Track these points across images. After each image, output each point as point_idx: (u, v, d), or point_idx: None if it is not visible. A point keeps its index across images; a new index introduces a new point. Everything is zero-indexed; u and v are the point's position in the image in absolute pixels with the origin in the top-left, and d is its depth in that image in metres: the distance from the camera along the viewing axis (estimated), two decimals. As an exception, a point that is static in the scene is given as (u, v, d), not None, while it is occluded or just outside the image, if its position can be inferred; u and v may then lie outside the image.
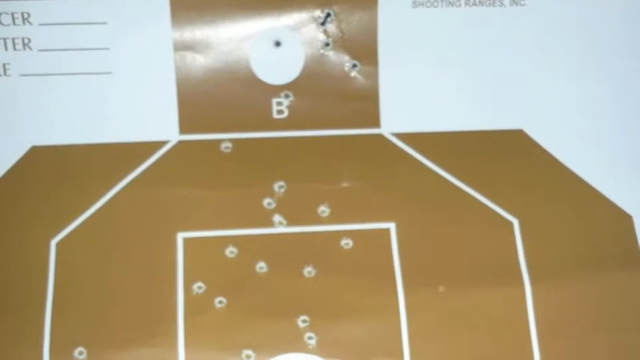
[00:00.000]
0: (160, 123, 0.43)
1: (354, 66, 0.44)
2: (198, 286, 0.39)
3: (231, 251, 0.40)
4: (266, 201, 0.42)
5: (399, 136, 0.43)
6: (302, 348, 0.39)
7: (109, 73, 0.43)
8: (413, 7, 0.44)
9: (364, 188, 0.42)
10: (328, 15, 0.44)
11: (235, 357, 0.39)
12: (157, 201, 0.41)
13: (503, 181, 0.43)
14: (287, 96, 0.43)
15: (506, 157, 0.43)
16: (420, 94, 0.44)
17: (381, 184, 0.42)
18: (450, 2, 0.44)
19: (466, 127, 0.44)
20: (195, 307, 0.39)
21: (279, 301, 0.39)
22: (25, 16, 0.42)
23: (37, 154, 0.42)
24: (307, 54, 0.44)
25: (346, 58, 0.44)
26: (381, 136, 0.43)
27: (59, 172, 0.41)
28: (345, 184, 0.42)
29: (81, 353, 0.38)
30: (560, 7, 0.44)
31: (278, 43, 0.44)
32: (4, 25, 0.42)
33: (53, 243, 0.39)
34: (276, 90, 0.43)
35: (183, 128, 0.43)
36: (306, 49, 0.44)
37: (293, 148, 0.43)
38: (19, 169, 0.41)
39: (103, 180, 0.41)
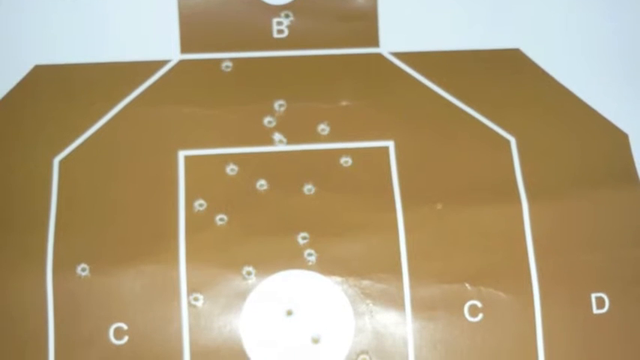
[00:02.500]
0: (161, 42, 0.39)
1: (354, -15, 0.38)
2: (199, 204, 0.36)
3: (231, 169, 0.36)
4: (266, 119, 0.37)
5: (398, 55, 0.39)
6: (302, 265, 0.35)
7: (111, -8, 0.37)
8: None
9: (363, 107, 0.38)
10: None
11: (236, 273, 0.35)
12: (158, 119, 0.37)
13: (501, 100, 0.38)
14: (287, 16, 0.39)
15: (503, 76, 0.39)
16: (419, 13, 0.40)
17: (379, 103, 0.38)
18: None
19: (464, 46, 0.39)
20: (196, 224, 0.35)
21: (279, 218, 0.36)
22: None
23: (40, 73, 0.38)
24: (307, -27, 0.38)
25: (345, -24, 0.38)
26: (379, 56, 0.39)
27: (62, 90, 0.37)
28: (344, 103, 0.38)
29: (84, 270, 0.34)
30: None
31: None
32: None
33: (56, 161, 0.35)
34: (277, 10, 0.39)
35: (185, 47, 0.39)
36: (306, -32, 0.38)
37: (293, 67, 0.38)
38: (23, 88, 0.37)
39: (105, 99, 0.37)
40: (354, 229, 0.35)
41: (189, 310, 0.34)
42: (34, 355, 0.33)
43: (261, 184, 0.36)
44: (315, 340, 0.34)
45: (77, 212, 0.35)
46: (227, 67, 0.38)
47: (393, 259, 0.35)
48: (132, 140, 0.36)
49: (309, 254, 0.35)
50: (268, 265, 0.35)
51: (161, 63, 0.38)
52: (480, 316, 0.35)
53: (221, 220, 0.36)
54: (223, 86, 0.38)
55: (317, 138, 0.37)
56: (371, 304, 0.35)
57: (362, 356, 0.34)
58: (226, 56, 0.39)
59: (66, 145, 0.36)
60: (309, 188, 0.36)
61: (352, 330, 0.34)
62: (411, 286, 0.35)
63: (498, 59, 0.39)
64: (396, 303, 0.35)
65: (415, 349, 0.34)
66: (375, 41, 0.39)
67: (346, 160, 0.37)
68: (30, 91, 0.37)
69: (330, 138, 0.37)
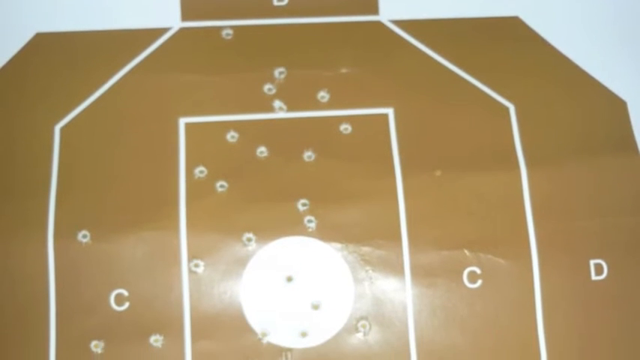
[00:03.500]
0: (162, 10, 0.37)
1: (354, -48, 0.36)
2: (200, 171, 0.34)
3: (232, 136, 0.35)
4: (266, 87, 0.36)
5: (397, 23, 0.37)
6: (302, 231, 0.34)
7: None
8: None
9: (363, 74, 0.36)
10: None
11: (236, 240, 0.33)
12: (159, 87, 0.35)
13: (500, 68, 0.36)
14: (287, -17, 0.36)
15: (502, 44, 0.37)
16: (418, -19, 0.37)
17: (379, 70, 0.36)
18: None
19: (463, 14, 0.37)
20: (197, 191, 0.34)
21: (279, 185, 0.34)
22: None
23: (41, 41, 0.36)
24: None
25: (346, -57, 0.36)
26: (379, 23, 0.37)
27: (63, 58, 0.36)
28: (344, 70, 0.36)
29: (85, 236, 0.33)
30: None
31: None
32: None
33: (57, 128, 0.34)
34: (277, -23, 0.36)
35: (185, 15, 0.37)
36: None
37: (293, 34, 0.37)
38: (24, 55, 0.36)
39: (107, 66, 0.36)
40: (353, 195, 0.34)
41: (190, 276, 0.33)
42: (35, 320, 0.32)
43: (262, 151, 0.35)
44: (315, 307, 0.33)
45: (78, 179, 0.34)
46: (227, 34, 0.37)
47: (392, 225, 0.34)
48: (133, 107, 0.35)
49: (309, 221, 0.34)
50: (268, 231, 0.33)
51: (162, 31, 0.36)
52: (479, 282, 0.33)
53: (221, 186, 0.34)
54: (224, 54, 0.36)
55: (317, 105, 0.35)
56: (370, 271, 0.33)
57: (362, 322, 0.33)
58: (227, 24, 0.37)
59: (67, 112, 0.35)
60: (309, 155, 0.35)
61: (352, 296, 0.33)
62: (411, 253, 0.33)
63: (498, 27, 0.37)
64: (396, 269, 0.33)
65: (414, 315, 0.33)
66: (374, 9, 0.37)
67: (346, 128, 0.35)
68: (31, 58, 0.36)
69: (329, 105, 0.35)
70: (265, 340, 0.32)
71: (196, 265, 0.33)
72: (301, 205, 0.34)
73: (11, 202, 0.33)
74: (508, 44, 0.37)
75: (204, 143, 0.34)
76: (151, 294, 0.32)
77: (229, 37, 0.36)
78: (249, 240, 0.33)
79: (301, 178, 0.34)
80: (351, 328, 0.33)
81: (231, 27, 0.37)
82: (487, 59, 0.36)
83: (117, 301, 0.32)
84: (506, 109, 0.36)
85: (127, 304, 0.32)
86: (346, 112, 0.35)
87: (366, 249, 0.33)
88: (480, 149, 0.35)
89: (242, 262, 0.33)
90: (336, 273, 0.33)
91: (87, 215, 0.33)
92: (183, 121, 0.35)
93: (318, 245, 0.33)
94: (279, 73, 0.36)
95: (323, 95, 0.35)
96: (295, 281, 0.33)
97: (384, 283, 0.33)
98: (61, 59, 0.35)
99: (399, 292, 0.33)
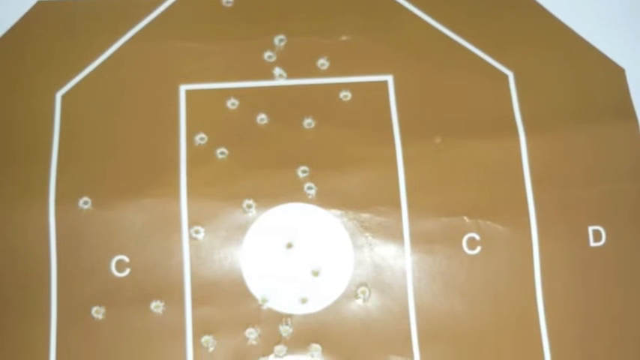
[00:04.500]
0: None
1: None
2: (200, 138, 0.33)
3: (232, 103, 0.33)
4: (267, 54, 0.34)
5: None
6: (301, 198, 0.32)
7: None
8: None
9: (363, 41, 0.34)
10: None
11: (236, 207, 0.32)
12: (159, 54, 0.34)
13: (499, 35, 0.35)
14: (287, -49, 0.35)
15: (501, 12, 0.35)
16: (418, -53, 0.35)
17: (379, 38, 0.34)
18: None
19: None
20: (197, 157, 0.32)
21: (279, 152, 0.32)
22: None
23: (42, 9, 0.34)
24: None
25: None
26: None
27: (64, 26, 0.34)
28: (344, 38, 0.34)
29: (86, 203, 0.31)
30: None
31: None
32: None
33: (58, 96, 0.33)
34: (277, -55, 0.35)
35: None
36: None
37: (293, 2, 0.35)
38: (25, 24, 0.34)
39: (107, 34, 0.34)
40: (353, 162, 0.32)
41: (190, 242, 0.31)
42: (36, 286, 0.31)
43: (262, 118, 0.33)
44: (315, 273, 0.32)
45: (79, 146, 0.32)
46: (228, 2, 0.35)
47: (391, 192, 0.32)
48: (133, 75, 0.33)
49: (309, 187, 0.32)
50: (268, 198, 0.32)
51: (162, -2, 0.34)
52: (479, 248, 0.32)
53: (222, 153, 0.32)
54: (224, 21, 0.34)
55: (317, 72, 0.34)
56: (370, 237, 0.32)
57: (361, 288, 0.31)
58: (227, -9, 0.35)
59: (68, 80, 0.33)
60: (308, 122, 0.33)
61: (352, 262, 0.32)
62: (410, 220, 0.32)
63: (497, -5, 0.35)
64: (395, 236, 0.32)
65: (414, 281, 0.31)
66: (374, -24, 0.35)
67: (345, 95, 0.33)
68: (32, 27, 0.34)
69: (329, 72, 0.34)
70: (265, 306, 0.31)
71: (197, 232, 0.31)
72: (301, 172, 0.32)
73: (13, 170, 0.32)
74: (507, 12, 0.35)
75: (205, 110, 0.33)
76: (151, 260, 0.31)
77: (229, 5, 0.35)
78: (250, 207, 0.32)
79: (301, 145, 0.32)
80: (350, 294, 0.31)
81: (232, -6, 0.34)
82: (486, 27, 0.35)
83: (118, 267, 0.31)
84: (505, 77, 0.34)
85: (127, 271, 0.31)
86: (346, 79, 0.34)
87: (365, 215, 0.32)
88: (480, 116, 0.33)
89: (242, 229, 0.32)
90: (336, 239, 0.32)
91: (88, 182, 0.32)
92: (183, 89, 0.33)
93: (318, 212, 0.32)
94: (279, 40, 0.34)
95: (323, 62, 0.34)
96: (295, 248, 0.32)
97: (383, 250, 0.32)
98: (61, 27, 0.34)
99: (399, 259, 0.32)
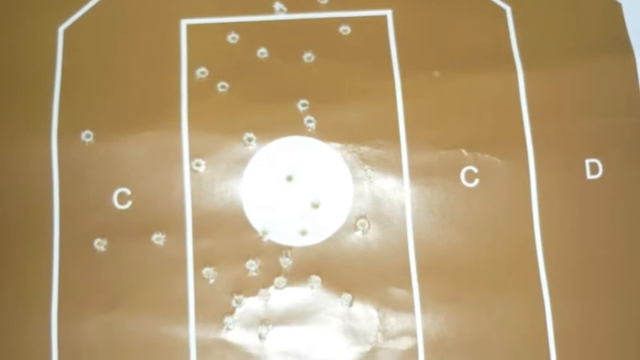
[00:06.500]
0: None
1: None
2: (201, 71, 0.30)
3: (232, 37, 0.30)
4: None
5: None
6: (301, 131, 0.29)
7: None
8: None
9: None
10: None
11: (237, 140, 0.29)
12: None
13: None
14: None
15: None
16: None
17: None
18: None
19: None
20: (199, 91, 0.29)
21: (279, 85, 0.30)
22: None
23: None
24: None
25: None
26: None
27: None
28: None
29: (88, 136, 0.29)
30: None
31: None
32: None
33: (61, 30, 0.30)
34: None
35: None
36: None
37: None
38: None
39: None
40: (352, 96, 0.29)
41: (192, 175, 0.29)
42: (39, 219, 0.28)
43: (262, 52, 0.30)
44: (315, 205, 0.29)
45: (81, 80, 0.29)
46: None
47: (391, 125, 0.29)
48: (135, 9, 0.30)
49: (309, 121, 0.29)
50: (268, 131, 0.29)
51: None
52: (476, 181, 0.29)
53: (222, 87, 0.30)
54: (224, -45, 0.31)
55: (317, 7, 0.31)
56: (369, 170, 0.29)
57: (361, 220, 0.29)
58: None
59: (70, 14, 0.30)
60: (308, 56, 0.30)
61: (351, 195, 0.29)
62: (409, 152, 0.29)
63: None
64: (394, 169, 0.29)
65: (413, 213, 0.29)
66: None
67: (345, 29, 0.30)
68: None
69: (329, 7, 0.31)
70: (265, 239, 0.29)
71: (198, 165, 0.29)
72: (301, 105, 0.29)
73: (15, 104, 0.29)
74: (505, -54, 0.32)
75: (206, 44, 0.30)
76: (153, 193, 0.29)
77: (230, -61, 0.32)
78: (250, 139, 0.29)
79: (301, 79, 0.30)
80: (350, 226, 0.29)
81: None
82: (484, -39, 0.32)
83: (119, 199, 0.28)
84: (503, 11, 0.31)
85: (129, 203, 0.28)
86: (345, 13, 0.31)
87: (364, 148, 0.29)
88: (478, 51, 0.30)
89: (243, 162, 0.29)
90: (336, 172, 0.29)
91: (90, 115, 0.29)
92: (184, 23, 0.30)
93: (318, 145, 0.29)
94: (279, -26, 0.31)
95: (323, -3, 0.31)
96: (295, 180, 0.29)
97: (382, 182, 0.29)
98: (63, -39, 0.31)
99: (398, 191, 0.29)
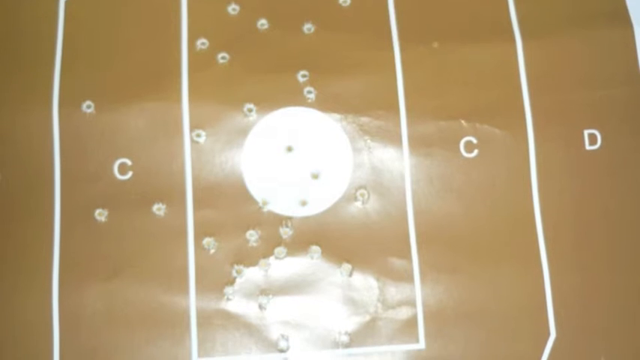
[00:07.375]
0: None
1: None
2: (202, 42, 0.28)
3: (233, 8, 0.29)
4: None
5: None
6: (301, 102, 0.28)
7: None
8: None
9: None
10: None
11: (237, 111, 0.28)
12: None
13: None
14: None
15: None
16: None
17: None
18: None
19: None
20: (199, 62, 0.28)
21: (279, 56, 0.28)
22: None
23: None
24: None
25: None
26: None
27: None
28: None
29: (89, 107, 0.28)
30: None
31: None
32: None
33: (62, 1, 0.29)
34: None
35: None
36: None
37: None
38: None
39: None
40: (352, 67, 0.28)
41: (192, 146, 0.27)
42: (40, 189, 0.27)
43: (262, 23, 0.29)
44: (315, 176, 0.28)
45: (82, 51, 0.28)
46: None
47: (390, 96, 0.28)
48: None
49: (309, 92, 0.28)
50: (269, 102, 0.28)
51: None
52: (476, 152, 0.28)
53: (223, 58, 0.28)
54: None
55: None
56: (369, 140, 0.28)
57: (360, 191, 0.28)
58: None
59: None
60: (308, 27, 0.29)
61: (351, 165, 0.28)
62: (408, 123, 0.28)
63: None
64: (394, 139, 0.28)
65: (412, 183, 0.28)
66: None
67: (345, 0, 0.29)
68: None
69: None
70: (266, 209, 0.27)
71: (198, 135, 0.28)
72: (301, 76, 0.28)
73: (17, 74, 0.28)
74: None
75: (206, 15, 0.29)
76: (153, 163, 0.27)
77: None
78: (250, 110, 0.28)
79: (301, 50, 0.28)
80: (350, 196, 0.28)
81: None
82: None
83: (120, 170, 0.27)
84: None
85: (130, 174, 0.27)
86: None
87: (364, 119, 0.28)
88: (477, 21, 0.29)
89: (243, 132, 0.28)
90: (335, 143, 0.28)
91: (91, 86, 0.28)
92: None
93: (318, 115, 0.28)
94: (279, -54, 0.30)
95: (323, -31, 0.30)
96: (295, 151, 0.28)
97: (382, 153, 0.28)
98: None
99: (397, 162, 0.28)
